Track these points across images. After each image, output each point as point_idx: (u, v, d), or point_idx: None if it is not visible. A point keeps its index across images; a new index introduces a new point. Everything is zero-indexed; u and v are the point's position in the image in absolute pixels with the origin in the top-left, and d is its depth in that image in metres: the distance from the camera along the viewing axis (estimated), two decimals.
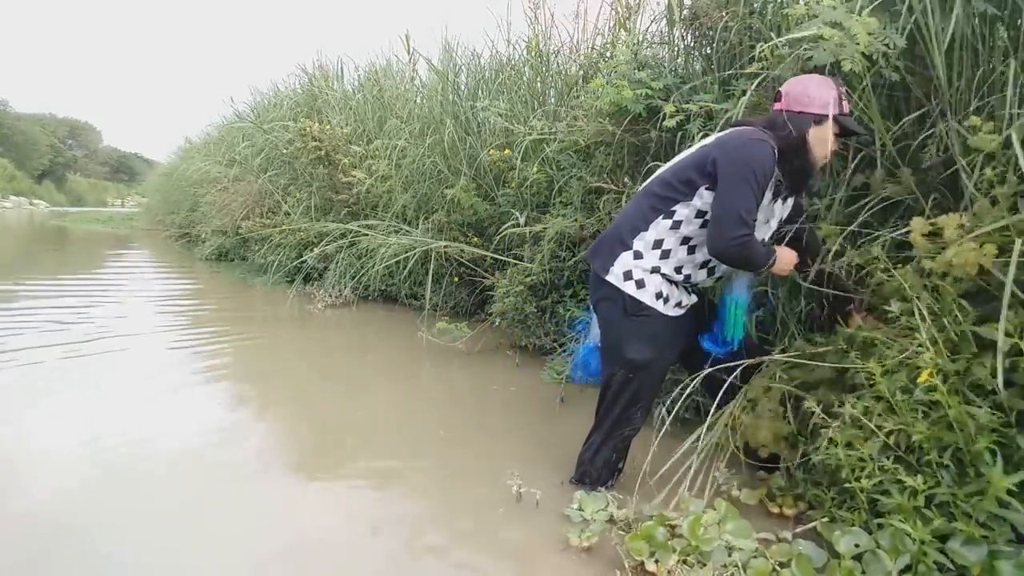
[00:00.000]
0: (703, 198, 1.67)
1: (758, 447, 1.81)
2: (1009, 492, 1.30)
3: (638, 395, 1.82)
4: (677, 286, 1.79)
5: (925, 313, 1.52)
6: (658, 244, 1.74)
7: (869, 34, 1.67)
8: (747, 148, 1.62)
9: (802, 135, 1.64)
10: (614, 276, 1.76)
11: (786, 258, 1.74)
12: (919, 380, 1.41)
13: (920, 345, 1.48)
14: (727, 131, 1.76)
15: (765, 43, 2.03)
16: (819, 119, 1.64)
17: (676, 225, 1.72)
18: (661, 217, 1.73)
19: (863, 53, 1.68)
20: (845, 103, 1.65)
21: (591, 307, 1.95)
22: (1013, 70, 1.63)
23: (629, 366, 1.78)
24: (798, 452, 1.82)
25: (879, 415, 1.52)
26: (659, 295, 1.75)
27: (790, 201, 1.81)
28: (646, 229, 1.74)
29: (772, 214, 1.77)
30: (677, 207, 1.71)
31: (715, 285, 1.90)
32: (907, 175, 1.82)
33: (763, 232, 1.77)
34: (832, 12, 1.73)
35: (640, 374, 1.79)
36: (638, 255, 1.75)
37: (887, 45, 1.71)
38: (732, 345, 1.83)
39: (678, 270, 1.77)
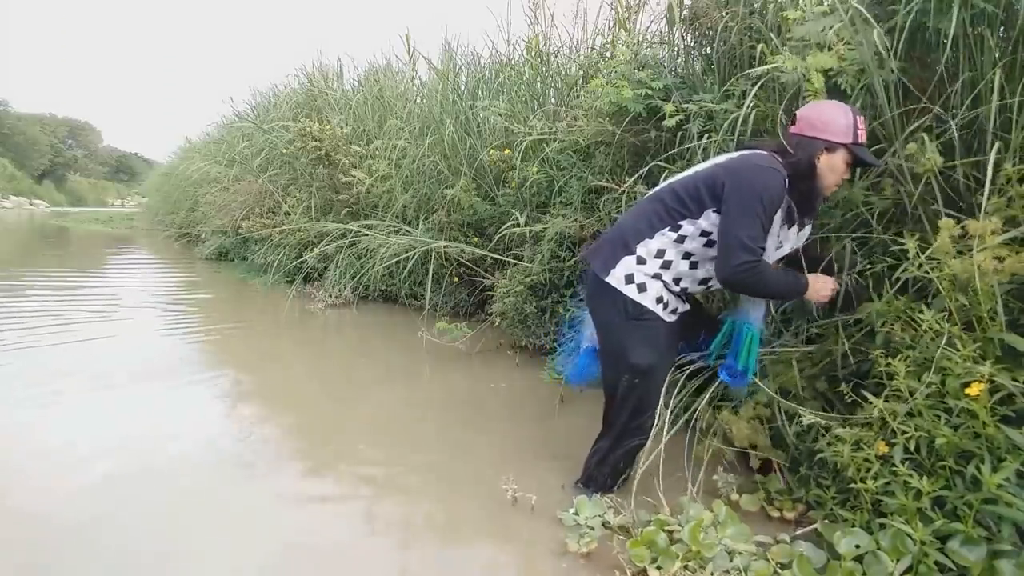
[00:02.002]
0: (710, 219, 1.67)
1: (740, 444, 1.81)
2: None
3: (644, 401, 1.79)
4: (674, 294, 1.79)
5: (956, 317, 1.46)
6: (660, 253, 1.74)
7: (841, 59, 1.68)
8: (758, 176, 1.62)
9: (811, 160, 1.64)
10: (615, 279, 1.75)
11: (819, 286, 1.72)
12: (970, 391, 1.33)
13: (964, 352, 1.40)
14: (739, 153, 1.75)
15: (766, 44, 2.02)
16: (831, 146, 1.63)
17: (680, 240, 1.72)
18: (667, 229, 1.72)
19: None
20: (861, 133, 1.63)
21: (588, 309, 1.93)
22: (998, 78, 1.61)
23: (632, 371, 1.76)
24: (788, 452, 1.82)
25: (897, 417, 1.47)
26: (659, 299, 1.75)
27: (807, 228, 1.79)
28: (651, 237, 1.74)
29: (786, 239, 1.75)
30: (684, 223, 1.71)
31: (731, 315, 1.89)
32: (889, 185, 1.81)
33: (772, 257, 1.74)
34: (801, 28, 1.74)
35: (644, 379, 1.77)
36: (641, 260, 1.74)
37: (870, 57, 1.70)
38: (748, 375, 1.81)
39: (677, 281, 1.77)
